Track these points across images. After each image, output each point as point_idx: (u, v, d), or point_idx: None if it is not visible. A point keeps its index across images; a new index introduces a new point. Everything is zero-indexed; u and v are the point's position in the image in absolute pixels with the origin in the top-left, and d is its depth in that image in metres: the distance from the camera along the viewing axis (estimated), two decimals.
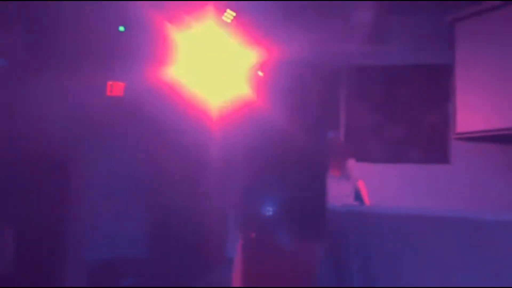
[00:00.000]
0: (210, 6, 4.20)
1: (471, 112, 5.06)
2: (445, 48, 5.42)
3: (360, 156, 5.83)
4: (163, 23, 4.05)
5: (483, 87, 4.95)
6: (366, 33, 5.39)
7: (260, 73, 4.39)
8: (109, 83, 4.55)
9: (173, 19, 4.06)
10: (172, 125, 4.78)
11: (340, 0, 4.28)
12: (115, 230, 5.48)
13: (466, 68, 5.18)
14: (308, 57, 5.71)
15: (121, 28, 3.95)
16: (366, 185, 4.89)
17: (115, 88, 4.59)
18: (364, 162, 5.70)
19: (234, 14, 4.63)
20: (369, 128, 5.93)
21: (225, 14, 4.62)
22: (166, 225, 5.44)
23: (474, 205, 5.28)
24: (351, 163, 4.62)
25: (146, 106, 4.70)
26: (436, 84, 5.79)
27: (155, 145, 5.07)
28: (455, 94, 5.26)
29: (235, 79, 4.66)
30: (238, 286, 4.99)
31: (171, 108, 4.69)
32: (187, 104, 4.67)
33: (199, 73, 4.54)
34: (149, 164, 5.30)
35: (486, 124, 4.88)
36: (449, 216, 3.43)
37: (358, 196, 4.88)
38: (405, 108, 5.87)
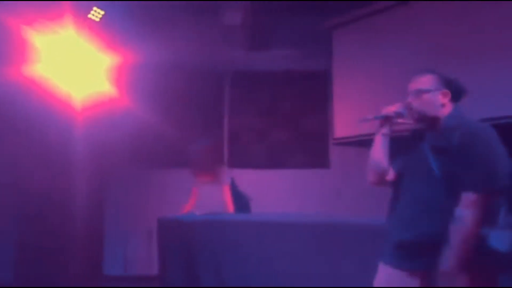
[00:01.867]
0: (71, 7, 3.89)
1: (348, 117, 5.19)
2: (325, 54, 5.53)
3: (244, 161, 5.78)
4: (20, 26, 3.70)
5: (358, 92, 5.11)
6: (248, 39, 5.34)
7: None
8: None
9: (31, 22, 3.74)
10: (32, 125, 4.38)
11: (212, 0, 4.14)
12: None
13: (342, 74, 5.33)
14: (191, 61, 5.57)
15: None
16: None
17: None
18: (247, 168, 5.66)
19: (102, 12, 4.33)
20: (253, 134, 5.90)
21: (92, 12, 4.31)
22: (35, 242, 4.90)
23: (354, 208, 5.43)
24: (222, 169, 4.50)
25: (2, 107, 4.26)
26: (317, 90, 5.90)
27: (17, 145, 4.59)
28: (333, 100, 5.39)
29: (97, 80, 4.44)
30: None
31: (31, 108, 4.30)
32: (48, 103, 4.32)
33: (61, 74, 4.23)
34: (9, 168, 4.78)
35: (361, 129, 5.03)
36: (297, 222, 3.54)
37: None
38: (287, 114, 5.92)
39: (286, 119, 5.90)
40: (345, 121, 5.22)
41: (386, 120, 2.17)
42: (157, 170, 5.68)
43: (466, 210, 1.89)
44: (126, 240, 5.59)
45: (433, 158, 2.02)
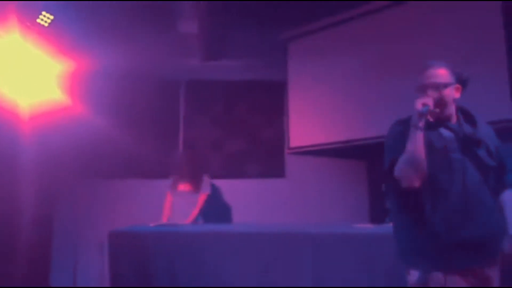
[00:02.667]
0: (16, 10, 3.74)
1: (303, 128, 5.26)
2: (281, 65, 5.58)
3: None
4: None
5: (313, 103, 5.19)
6: (204, 48, 5.31)
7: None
8: None
9: None
10: None
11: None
12: None
13: (297, 85, 5.39)
14: (146, 69, 5.48)
15: None
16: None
17: None
18: None
19: (51, 17, 4.20)
20: (208, 143, 5.86)
21: (41, 16, 4.16)
22: None
23: (309, 216, 5.48)
24: (204, 177, 4.47)
25: None
26: (272, 100, 5.95)
27: None
28: (288, 110, 5.45)
29: (47, 86, 4.28)
30: None
31: None
32: None
33: (5, 80, 4.04)
34: None
35: (315, 138, 5.11)
36: (252, 231, 3.56)
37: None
38: (243, 123, 5.92)
39: (241, 129, 5.90)
40: (300, 131, 5.28)
41: (424, 114, 2.02)
42: (109, 181, 5.53)
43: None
44: (75, 252, 5.39)
45: (477, 150, 2.00)
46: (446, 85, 2.08)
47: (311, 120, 5.17)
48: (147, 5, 3.95)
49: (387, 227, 2.68)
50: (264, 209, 5.58)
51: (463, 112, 2.16)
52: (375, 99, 4.56)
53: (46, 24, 4.22)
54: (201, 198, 4.43)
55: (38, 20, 4.15)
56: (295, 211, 5.56)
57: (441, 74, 2.10)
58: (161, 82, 5.76)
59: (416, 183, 1.98)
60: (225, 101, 5.96)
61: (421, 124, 2.00)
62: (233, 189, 5.67)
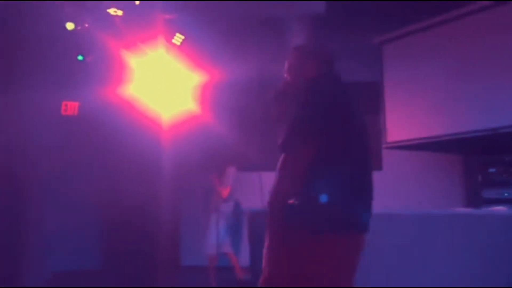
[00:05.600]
0: (161, 32, 4.54)
1: (399, 123, 5.67)
2: (374, 66, 6.02)
3: None
4: (119, 49, 4.34)
5: (409, 101, 5.58)
6: None
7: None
8: (64, 102, 4.74)
9: (128, 46, 4.37)
10: (126, 139, 5.03)
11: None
12: (72, 243, 5.62)
13: (393, 84, 5.80)
14: (254, 77, 6.13)
15: (80, 57, 4.20)
16: None
17: (70, 107, 4.78)
18: None
19: (182, 37, 4.99)
20: None
21: (175, 37, 4.97)
22: (123, 236, 5.63)
23: (406, 206, 5.87)
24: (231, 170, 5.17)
25: (101, 123, 4.93)
26: (367, 99, 6.37)
27: (110, 158, 5.29)
28: (385, 108, 5.87)
29: (182, 97, 5.01)
30: None
31: (126, 123, 4.94)
32: (140, 119, 4.94)
33: (151, 92, 4.84)
34: (104, 177, 5.50)
35: (414, 133, 5.50)
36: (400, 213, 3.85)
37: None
38: None
39: None
40: (397, 126, 5.69)
41: None
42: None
43: None
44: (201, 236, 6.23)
45: None
46: None
47: (409, 116, 5.54)
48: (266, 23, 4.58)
49: None
50: None
51: None
52: (473, 95, 4.86)
53: (178, 44, 5.03)
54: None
55: (173, 40, 4.99)
56: (393, 201, 5.97)
57: None
58: (268, 88, 6.35)
59: None
60: None
61: None
62: None
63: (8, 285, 4.56)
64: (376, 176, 6.31)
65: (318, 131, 2.14)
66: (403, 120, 5.61)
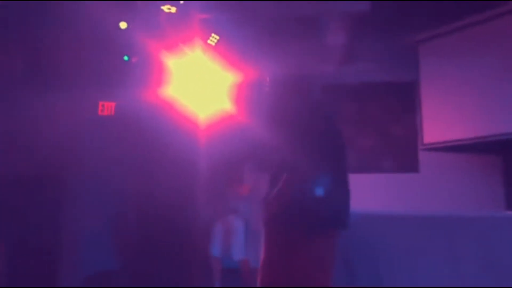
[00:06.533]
0: (198, 33, 4.55)
1: (437, 125, 5.54)
2: (409, 66, 5.91)
3: None
4: (159, 50, 4.38)
5: (446, 101, 5.45)
6: (340, 54, 5.81)
7: None
8: (101, 102, 4.79)
9: (169, 47, 4.40)
10: (162, 139, 5.06)
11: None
12: (107, 244, 5.66)
13: (430, 84, 5.68)
14: (289, 77, 6.10)
15: (126, 58, 4.24)
16: None
17: (106, 107, 4.83)
18: None
19: (218, 37, 4.99)
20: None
21: (210, 38, 4.97)
22: (156, 237, 5.65)
23: (442, 209, 5.73)
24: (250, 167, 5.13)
25: (137, 123, 4.97)
26: (403, 99, 6.27)
27: (146, 159, 5.31)
28: (421, 108, 5.75)
29: (219, 97, 5.02)
30: None
31: (162, 123, 4.97)
32: (177, 119, 4.96)
33: (188, 93, 4.86)
34: (140, 178, 5.53)
35: (452, 134, 5.37)
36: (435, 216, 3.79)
37: None
38: (375, 122, 6.32)
39: (374, 127, 6.30)
40: (434, 128, 5.57)
41: None
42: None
43: None
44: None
45: None
46: None
47: (447, 117, 5.42)
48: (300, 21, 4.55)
49: None
50: (398, 202, 5.93)
51: None
52: None
53: (213, 44, 5.03)
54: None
55: (209, 41, 4.99)
56: (429, 204, 5.84)
57: None
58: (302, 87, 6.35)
59: None
60: (357, 102, 6.41)
61: None
62: (366, 183, 6.11)
63: (45, 285, 4.63)
64: (413, 178, 6.24)
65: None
66: (441, 121, 5.49)
